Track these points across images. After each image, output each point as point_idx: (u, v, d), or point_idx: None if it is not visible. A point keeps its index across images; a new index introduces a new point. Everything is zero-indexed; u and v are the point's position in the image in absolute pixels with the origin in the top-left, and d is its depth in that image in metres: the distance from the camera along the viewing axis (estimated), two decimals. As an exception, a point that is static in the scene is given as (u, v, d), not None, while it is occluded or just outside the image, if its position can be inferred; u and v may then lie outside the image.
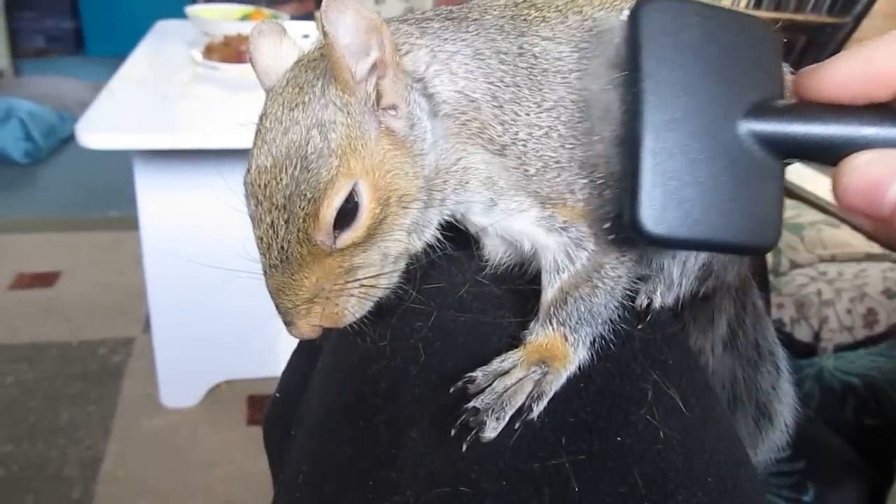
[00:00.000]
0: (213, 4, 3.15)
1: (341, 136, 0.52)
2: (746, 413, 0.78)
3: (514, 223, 0.60)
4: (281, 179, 0.52)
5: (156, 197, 2.13)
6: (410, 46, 0.57)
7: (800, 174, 3.43)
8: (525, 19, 0.60)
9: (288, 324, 0.56)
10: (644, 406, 0.56)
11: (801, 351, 2.27)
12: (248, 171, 0.55)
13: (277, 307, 0.56)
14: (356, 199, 0.53)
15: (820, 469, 0.95)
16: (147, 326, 2.50)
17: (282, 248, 0.53)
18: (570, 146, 0.56)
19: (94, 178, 4.02)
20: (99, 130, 1.85)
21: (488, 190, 0.59)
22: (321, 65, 0.54)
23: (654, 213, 0.46)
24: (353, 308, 0.57)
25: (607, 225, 0.56)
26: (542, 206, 0.58)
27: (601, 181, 0.56)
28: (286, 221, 0.53)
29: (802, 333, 2.33)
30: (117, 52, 2.96)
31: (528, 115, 0.56)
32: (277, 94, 0.55)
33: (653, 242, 0.48)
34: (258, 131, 0.55)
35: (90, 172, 4.05)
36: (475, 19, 0.60)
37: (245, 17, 2.91)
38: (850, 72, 0.48)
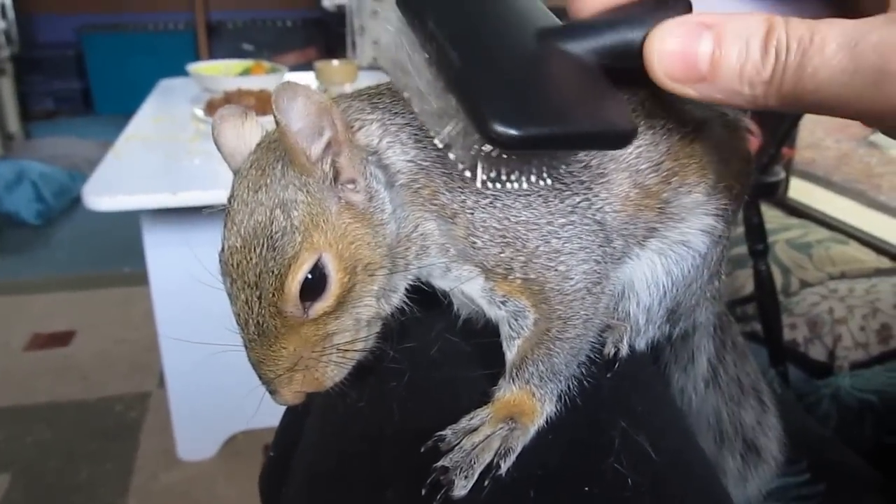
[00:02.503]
0: (215, 61, 3.21)
1: (303, 214, 0.55)
2: (734, 449, 0.79)
3: (466, 289, 0.63)
4: (251, 259, 0.55)
5: (164, 253, 2.16)
6: (363, 122, 0.60)
7: (807, 193, 3.44)
8: None
9: (272, 392, 0.59)
10: (612, 454, 0.57)
11: (816, 371, 2.27)
12: (222, 250, 0.57)
13: (260, 378, 0.58)
14: (324, 270, 0.55)
15: (840, 490, 0.94)
16: (162, 381, 2.52)
17: (258, 322, 0.56)
18: (514, 218, 0.59)
19: (105, 236, 4.08)
20: (104, 193, 1.89)
21: (444, 257, 0.61)
22: (280, 146, 0.56)
23: (503, 116, 0.43)
24: (332, 373, 0.59)
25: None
26: (486, 278, 0.61)
27: (540, 260, 0.59)
28: (259, 298, 0.55)
29: (817, 353, 2.33)
30: (125, 110, 3.03)
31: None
32: (243, 176, 0.58)
33: (515, 145, 0.44)
34: (228, 213, 0.57)
35: (102, 230, 4.11)
36: None
37: (245, 72, 2.97)
38: None
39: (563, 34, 0.50)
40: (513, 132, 0.43)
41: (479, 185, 0.49)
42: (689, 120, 0.65)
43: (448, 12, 0.48)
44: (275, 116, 0.52)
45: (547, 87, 0.48)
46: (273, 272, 0.54)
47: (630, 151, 0.63)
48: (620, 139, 0.48)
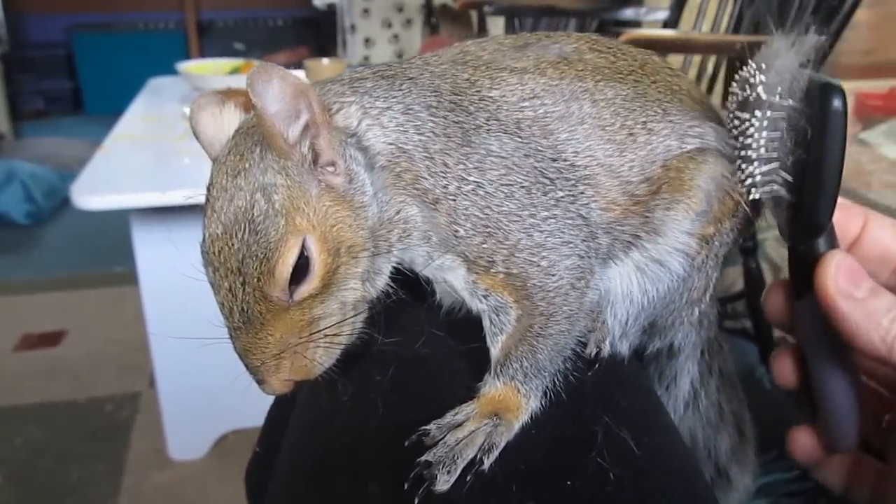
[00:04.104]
0: (204, 59, 3.20)
1: (283, 197, 0.54)
2: (704, 471, 0.77)
3: (449, 278, 0.63)
4: (233, 244, 0.54)
5: (154, 252, 2.15)
6: (341, 104, 0.59)
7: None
8: (468, 79, 0.63)
9: (260, 382, 0.58)
10: (595, 449, 0.57)
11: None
12: (203, 240, 0.57)
13: (247, 367, 0.58)
14: (306, 252, 0.55)
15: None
16: (153, 381, 2.52)
17: (242, 309, 0.55)
18: (496, 208, 0.59)
19: (95, 236, 4.06)
20: (93, 192, 1.88)
21: (426, 244, 0.61)
22: (259, 131, 0.56)
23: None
24: (321, 358, 0.58)
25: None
26: (468, 270, 0.61)
27: (522, 254, 0.59)
28: (243, 284, 0.55)
29: (807, 350, 2.33)
30: (115, 110, 3.01)
31: (457, 166, 0.59)
32: (221, 163, 0.58)
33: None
34: (207, 201, 0.57)
35: (92, 230, 4.09)
36: (411, 78, 0.62)
37: (235, 71, 2.97)
38: None
39: None
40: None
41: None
42: (690, 142, 0.64)
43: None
44: (251, 99, 0.51)
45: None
46: (257, 256, 0.54)
47: (623, 163, 0.63)
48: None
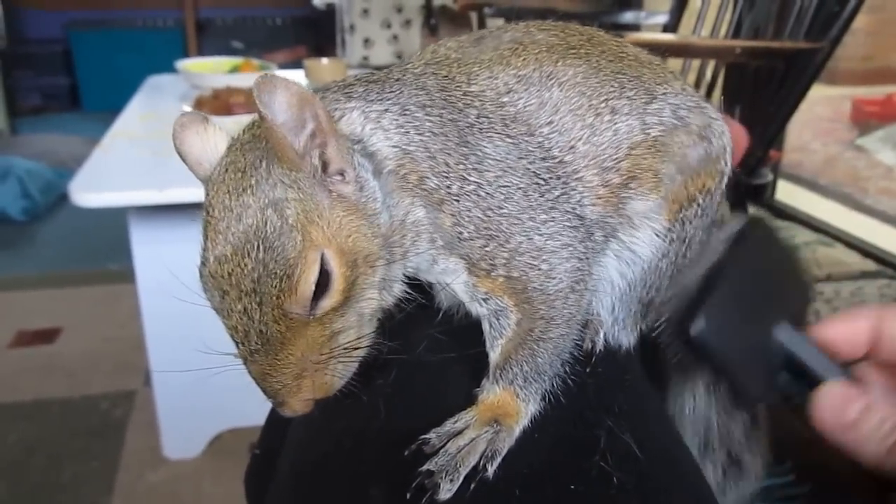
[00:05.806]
0: (204, 58, 3.20)
1: (297, 211, 0.53)
2: (716, 460, 0.77)
3: (450, 281, 0.62)
4: (245, 265, 0.52)
5: (151, 250, 2.15)
6: (342, 111, 0.59)
7: (794, 196, 3.45)
8: (447, 76, 0.64)
9: (280, 405, 0.56)
10: (597, 453, 0.57)
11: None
12: (205, 264, 0.55)
13: (266, 391, 0.56)
14: (325, 266, 0.54)
15: (825, 491, 0.94)
16: (148, 379, 2.51)
17: (260, 331, 0.53)
18: (497, 210, 0.59)
19: (92, 233, 4.05)
20: (91, 189, 1.88)
21: (432, 247, 0.61)
22: (260, 145, 0.55)
23: (703, 328, 0.60)
24: (340, 373, 0.57)
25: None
26: (469, 272, 0.60)
27: (523, 257, 0.59)
28: (259, 304, 0.53)
29: (803, 354, 2.33)
30: (113, 107, 3.00)
31: (457, 165, 0.59)
32: (219, 182, 0.55)
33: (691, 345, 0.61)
34: (207, 223, 0.55)
35: (88, 227, 4.09)
36: (397, 79, 0.63)
37: (234, 69, 2.96)
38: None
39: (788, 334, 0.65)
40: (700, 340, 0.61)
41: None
42: (653, 123, 0.66)
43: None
44: (259, 111, 0.50)
45: (743, 339, 0.64)
46: (276, 274, 0.52)
47: (596, 150, 0.64)
48: (750, 399, 0.68)
